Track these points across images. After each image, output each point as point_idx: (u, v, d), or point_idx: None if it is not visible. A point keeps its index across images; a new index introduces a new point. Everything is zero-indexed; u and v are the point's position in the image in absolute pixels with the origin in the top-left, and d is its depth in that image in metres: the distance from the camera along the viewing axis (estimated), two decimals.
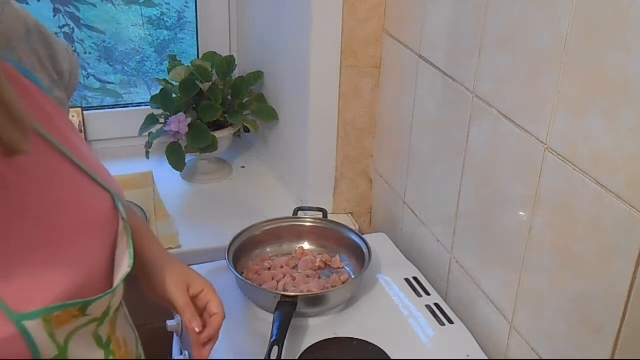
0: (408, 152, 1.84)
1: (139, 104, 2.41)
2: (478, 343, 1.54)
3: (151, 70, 2.58)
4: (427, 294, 1.68)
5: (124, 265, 0.98)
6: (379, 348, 1.47)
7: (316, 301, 1.56)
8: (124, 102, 2.48)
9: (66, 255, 0.92)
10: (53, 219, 0.92)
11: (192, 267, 1.63)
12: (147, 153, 2.10)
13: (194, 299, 1.19)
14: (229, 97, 2.18)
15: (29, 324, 0.86)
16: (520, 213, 1.39)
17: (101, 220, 0.97)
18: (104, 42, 2.51)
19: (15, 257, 0.87)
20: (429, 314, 1.61)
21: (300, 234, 1.79)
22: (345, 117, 1.96)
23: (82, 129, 2.26)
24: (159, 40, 2.59)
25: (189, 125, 2.09)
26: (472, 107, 1.52)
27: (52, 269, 0.89)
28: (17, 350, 0.85)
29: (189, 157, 2.16)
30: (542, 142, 1.32)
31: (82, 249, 0.93)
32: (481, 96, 1.48)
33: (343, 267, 1.73)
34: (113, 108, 2.39)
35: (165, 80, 2.16)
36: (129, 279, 1.01)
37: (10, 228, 0.88)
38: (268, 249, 1.77)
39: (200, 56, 2.29)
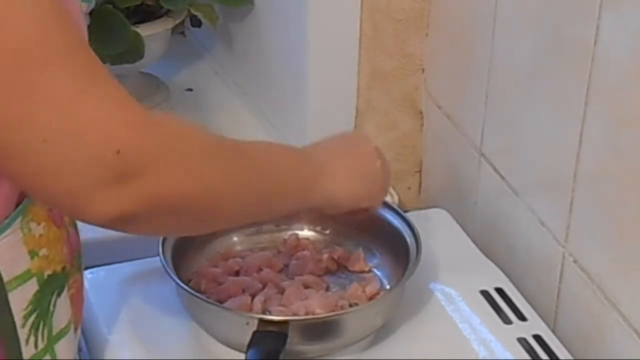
0: (488, 65, 1.58)
1: None
2: None
3: None
4: (522, 318, 1.42)
5: None
6: None
7: (323, 330, 1.33)
8: None
9: None
10: None
11: (97, 270, 1.51)
12: None
13: None
14: None
15: None
16: None
17: None
18: None
19: None
20: (525, 354, 1.35)
21: None
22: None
23: None
24: None
25: (91, 13, 1.89)
26: None
27: None
28: None
29: None
30: None
31: None
32: None
33: (370, 270, 1.49)
34: None
35: None
36: None
37: None
38: (235, 238, 1.53)
39: None
